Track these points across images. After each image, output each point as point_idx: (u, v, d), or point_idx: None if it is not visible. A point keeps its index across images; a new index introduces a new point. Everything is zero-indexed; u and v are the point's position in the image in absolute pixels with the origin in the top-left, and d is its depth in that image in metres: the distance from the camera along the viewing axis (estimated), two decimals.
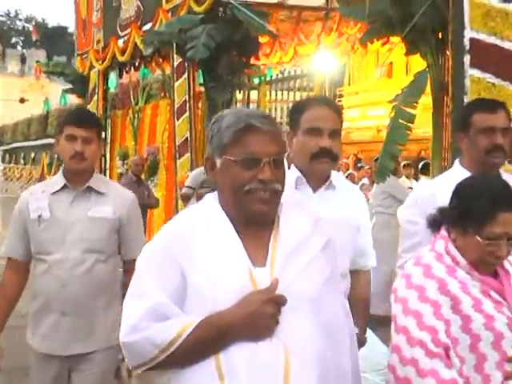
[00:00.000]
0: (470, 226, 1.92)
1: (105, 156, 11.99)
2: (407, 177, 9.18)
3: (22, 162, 29.80)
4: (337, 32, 8.39)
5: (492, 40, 4.43)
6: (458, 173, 2.56)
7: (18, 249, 2.86)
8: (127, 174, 9.55)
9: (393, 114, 4.96)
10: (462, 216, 1.95)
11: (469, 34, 4.50)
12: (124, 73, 11.94)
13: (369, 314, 2.82)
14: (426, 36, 5.01)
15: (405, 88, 5.08)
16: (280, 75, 9.62)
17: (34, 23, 66.23)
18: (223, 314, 1.63)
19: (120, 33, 10.58)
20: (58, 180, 2.85)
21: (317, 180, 2.49)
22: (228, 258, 1.68)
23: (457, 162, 2.71)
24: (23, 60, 57.07)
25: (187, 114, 8.64)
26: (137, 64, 11.13)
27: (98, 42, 11.57)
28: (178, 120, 8.87)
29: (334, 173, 2.58)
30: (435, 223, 2.07)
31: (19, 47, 59.92)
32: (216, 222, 1.72)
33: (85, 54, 12.33)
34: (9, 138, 32.64)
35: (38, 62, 54.25)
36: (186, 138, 8.66)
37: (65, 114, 2.77)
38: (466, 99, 4.44)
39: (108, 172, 12.01)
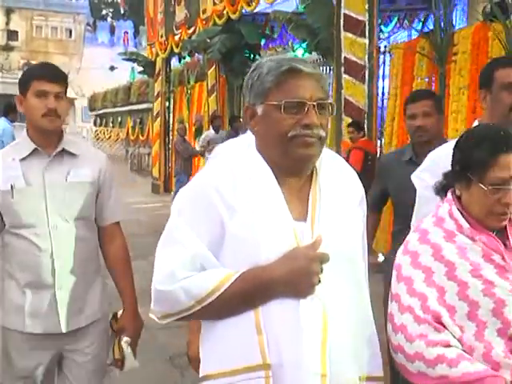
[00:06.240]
0: (473, 174, 1.79)
1: (168, 121, 16.08)
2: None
3: (110, 125, 33.34)
4: None
5: (353, 58, 8.00)
6: None
7: None
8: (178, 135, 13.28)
9: None
10: (464, 167, 1.83)
11: (343, 54, 8.10)
12: (182, 59, 15.94)
13: None
14: (330, 53, 8.61)
15: None
16: None
17: None
18: (267, 268, 1.55)
19: (175, 31, 14.48)
20: (25, 144, 2.50)
21: None
22: (270, 209, 1.59)
23: (476, 122, 2.56)
24: (112, 31, 61.64)
25: (215, 93, 12.74)
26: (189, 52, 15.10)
27: (161, 36, 15.42)
28: (210, 97, 13.03)
29: None
30: (442, 189, 1.93)
31: (109, 19, 64.25)
32: (257, 172, 1.62)
33: (152, 45, 16.35)
34: (99, 105, 36.31)
35: (126, 32, 58.63)
36: (215, 110, 12.84)
37: (29, 69, 2.57)
38: (343, 92, 8.06)
39: (171, 133, 16.04)
